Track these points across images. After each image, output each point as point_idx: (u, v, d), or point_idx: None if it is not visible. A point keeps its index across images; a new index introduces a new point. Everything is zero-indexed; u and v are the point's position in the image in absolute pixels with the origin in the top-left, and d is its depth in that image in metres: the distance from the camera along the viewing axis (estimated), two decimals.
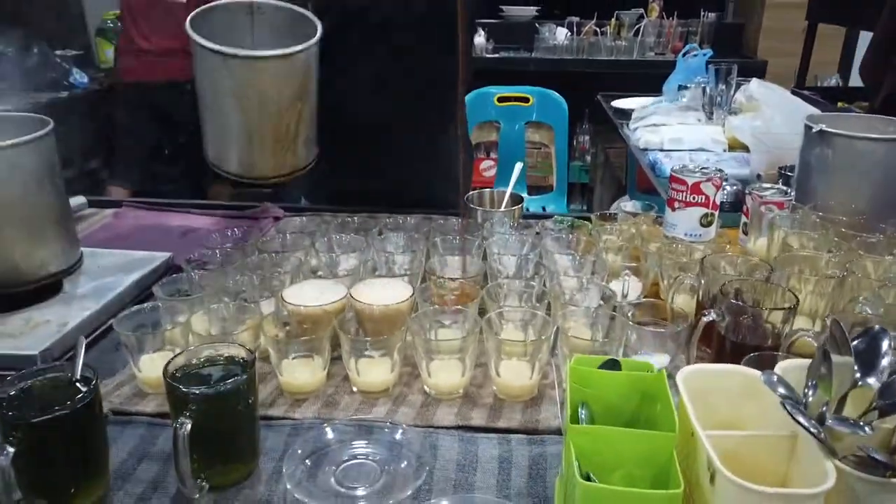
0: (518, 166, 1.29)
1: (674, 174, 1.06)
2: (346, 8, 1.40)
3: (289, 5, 1.15)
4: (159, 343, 0.82)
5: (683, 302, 0.96)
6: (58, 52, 3.52)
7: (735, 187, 1.48)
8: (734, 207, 1.44)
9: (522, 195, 1.22)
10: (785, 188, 1.18)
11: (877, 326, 0.65)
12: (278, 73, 1.06)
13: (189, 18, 1.07)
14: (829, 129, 1.16)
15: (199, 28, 1.08)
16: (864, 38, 3.41)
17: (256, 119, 1.07)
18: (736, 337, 0.79)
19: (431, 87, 1.47)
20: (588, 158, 3.89)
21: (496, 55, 3.73)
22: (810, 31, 2.01)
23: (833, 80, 2.90)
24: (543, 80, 3.26)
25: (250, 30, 1.16)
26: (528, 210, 2.84)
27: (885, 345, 0.61)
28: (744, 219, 1.21)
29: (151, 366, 0.80)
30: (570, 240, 1.08)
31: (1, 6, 3.46)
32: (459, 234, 1.10)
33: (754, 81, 1.84)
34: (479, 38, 3.71)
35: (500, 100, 2.74)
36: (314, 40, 1.06)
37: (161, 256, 1.13)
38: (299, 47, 1.04)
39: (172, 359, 0.67)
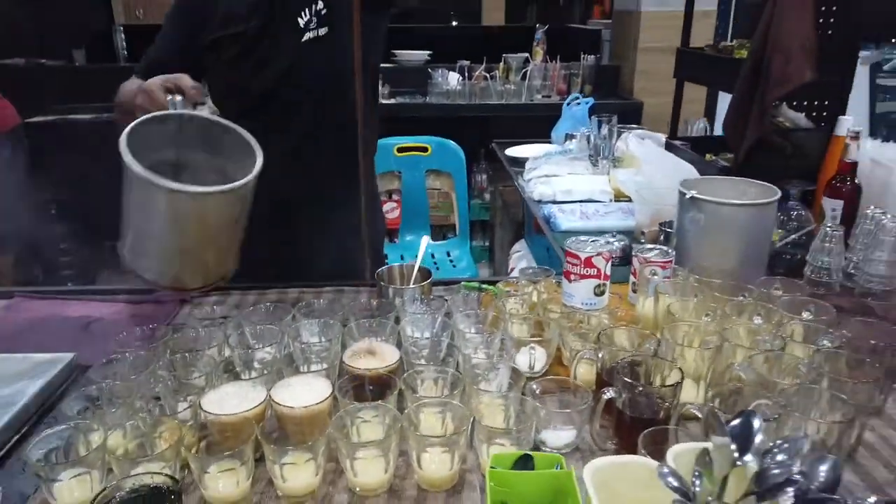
0: (424, 240, 1.35)
1: (568, 250, 1.14)
2: (248, 91, 1.43)
3: (233, 126, 1.14)
4: (74, 468, 0.80)
5: (586, 371, 1.04)
6: None
7: (622, 242, 1.60)
8: (623, 261, 1.56)
9: (430, 269, 1.27)
10: (666, 249, 1.30)
11: (749, 407, 0.75)
12: (220, 204, 1.05)
13: (126, 133, 1.04)
14: (700, 196, 1.29)
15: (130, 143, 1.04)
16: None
17: (191, 244, 1.06)
18: (632, 411, 0.87)
19: (336, 161, 1.51)
20: (487, 197, 4.04)
21: (392, 101, 3.81)
22: (678, 88, 2.21)
23: (701, 124, 3.17)
24: (439, 124, 3.37)
25: (173, 139, 1.14)
26: (433, 257, 2.92)
27: (756, 424, 0.70)
28: (632, 278, 1.32)
29: (68, 494, 0.78)
30: (479, 315, 1.15)
31: None
32: (372, 315, 1.14)
33: (632, 137, 2.00)
34: None
35: (400, 150, 2.81)
36: (256, 171, 1.06)
37: (64, 358, 1.10)
38: (244, 181, 1.04)
39: (94, 499, 0.66)
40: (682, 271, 1.23)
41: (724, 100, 3.39)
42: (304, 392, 0.90)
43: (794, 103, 1.76)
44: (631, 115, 3.63)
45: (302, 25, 1.39)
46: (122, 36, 4.01)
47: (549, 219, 1.87)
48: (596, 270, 1.13)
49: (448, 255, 2.90)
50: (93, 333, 1.25)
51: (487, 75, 3.87)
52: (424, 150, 2.83)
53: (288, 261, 1.53)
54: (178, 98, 1.14)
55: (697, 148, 2.11)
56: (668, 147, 2.14)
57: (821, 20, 1.80)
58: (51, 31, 4.09)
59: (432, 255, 2.89)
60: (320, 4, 1.40)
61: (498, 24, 5.96)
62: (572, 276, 1.14)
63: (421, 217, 2.96)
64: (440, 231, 3.56)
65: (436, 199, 3.69)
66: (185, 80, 1.18)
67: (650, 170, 1.74)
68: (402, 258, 2.82)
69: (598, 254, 1.12)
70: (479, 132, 3.60)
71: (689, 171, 1.73)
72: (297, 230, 1.52)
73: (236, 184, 1.04)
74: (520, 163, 2.56)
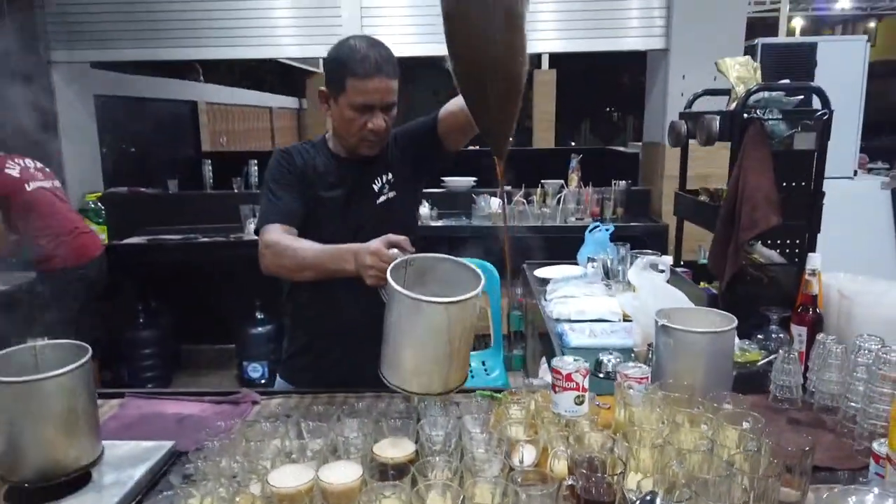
0: None
1: (553, 367, 1.45)
2: (335, 241, 1.79)
3: (446, 257, 1.52)
4: None
5: (563, 466, 1.32)
6: None
7: (619, 360, 1.88)
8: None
9: None
10: (645, 366, 1.58)
11: (676, 495, 1.02)
12: (476, 306, 1.37)
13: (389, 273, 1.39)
14: (668, 324, 1.58)
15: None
16: None
17: (459, 346, 1.37)
18: (587, 495, 1.14)
19: None
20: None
21: (440, 222, 4.25)
22: (679, 224, 2.53)
23: None
24: (481, 244, 3.77)
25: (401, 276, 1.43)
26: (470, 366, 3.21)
27: (658, 501, 0.98)
28: (584, 381, 1.59)
29: None
30: (485, 418, 1.44)
31: None
32: (399, 417, 1.45)
33: (632, 269, 2.31)
34: (424, 209, 4.25)
35: None
36: (482, 285, 1.40)
37: (165, 445, 1.44)
38: (478, 290, 1.38)
39: None
40: (651, 385, 1.51)
41: None
42: (343, 473, 1.21)
43: (769, 242, 2.05)
44: (657, 237, 3.94)
45: (376, 190, 1.83)
46: (210, 167, 4.64)
47: (562, 336, 2.17)
48: (575, 384, 1.42)
49: (483, 364, 3.19)
50: (186, 426, 1.59)
51: (524, 201, 4.28)
52: None
53: (351, 374, 1.83)
54: (396, 251, 1.47)
55: (697, 276, 2.40)
56: (672, 273, 2.44)
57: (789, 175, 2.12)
58: (151, 163, 4.78)
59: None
60: (389, 175, 1.85)
61: (547, 148, 6.50)
62: (557, 388, 1.43)
63: None
64: (480, 340, 3.87)
65: None
66: (395, 237, 1.50)
67: (645, 295, 2.03)
68: None
69: (577, 370, 1.41)
70: (518, 251, 3.98)
71: (679, 297, 2.02)
72: (361, 350, 1.84)
73: (477, 290, 1.36)
74: (547, 282, 2.89)
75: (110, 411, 1.67)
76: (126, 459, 1.39)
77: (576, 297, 2.47)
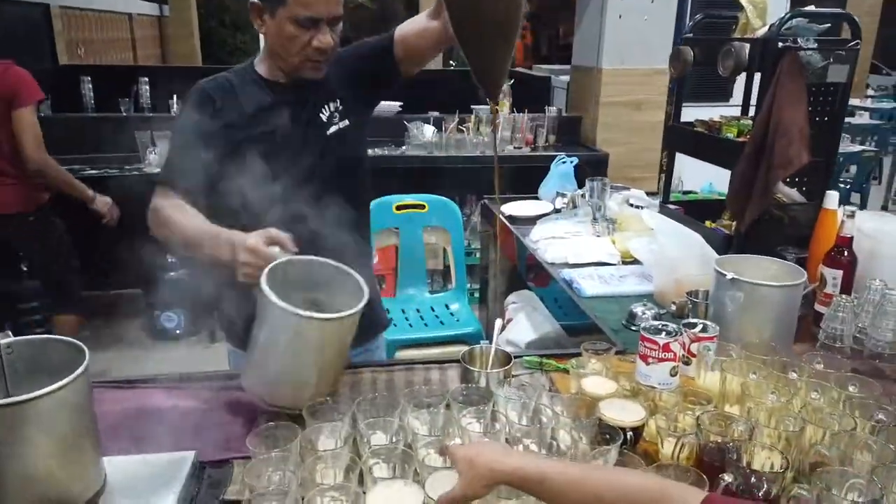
0: (498, 323, 1.45)
1: (645, 335, 1.28)
2: (280, 182, 1.46)
3: (329, 262, 1.34)
4: None
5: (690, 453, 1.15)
6: None
7: (653, 311, 1.75)
8: None
9: (508, 352, 1.38)
10: (711, 324, 1.45)
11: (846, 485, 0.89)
12: (355, 323, 1.24)
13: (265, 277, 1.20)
14: (740, 278, 1.46)
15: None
16: None
17: (332, 363, 1.27)
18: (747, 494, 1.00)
19: (351, 230, 1.55)
20: (466, 243, 4.17)
21: (372, 152, 3.90)
22: (670, 158, 2.43)
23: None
24: (419, 175, 3.51)
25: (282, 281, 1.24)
26: (433, 310, 3.00)
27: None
28: (681, 351, 1.47)
29: None
30: (565, 400, 1.25)
31: None
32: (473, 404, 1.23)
33: (646, 212, 2.18)
34: None
35: (399, 207, 2.91)
36: (364, 300, 1.26)
37: (187, 458, 1.12)
38: (358, 307, 1.23)
39: None
40: (734, 348, 1.39)
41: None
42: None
43: (787, 180, 1.98)
44: (597, 166, 3.86)
45: (325, 120, 1.54)
46: (90, 85, 3.92)
47: (572, 283, 2.01)
48: (672, 354, 1.27)
49: (447, 307, 3.00)
50: (193, 425, 1.26)
51: (459, 127, 4.03)
52: (422, 207, 2.94)
53: None
54: (277, 249, 1.27)
55: (690, 213, 2.32)
56: (662, 211, 2.34)
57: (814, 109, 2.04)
58: None
59: (432, 309, 2.99)
60: (338, 102, 1.56)
61: (455, 69, 6.16)
62: (650, 360, 1.28)
63: (418, 269, 3.07)
64: (433, 279, 3.68)
65: (428, 248, 3.81)
66: (276, 233, 1.29)
67: (664, 240, 1.91)
68: (403, 311, 2.93)
69: (675, 340, 1.26)
70: (458, 182, 3.76)
71: (700, 242, 1.91)
72: None
73: (358, 307, 1.22)
74: (516, 220, 2.71)
75: None
76: (141, 481, 1.07)
77: (565, 237, 2.31)
